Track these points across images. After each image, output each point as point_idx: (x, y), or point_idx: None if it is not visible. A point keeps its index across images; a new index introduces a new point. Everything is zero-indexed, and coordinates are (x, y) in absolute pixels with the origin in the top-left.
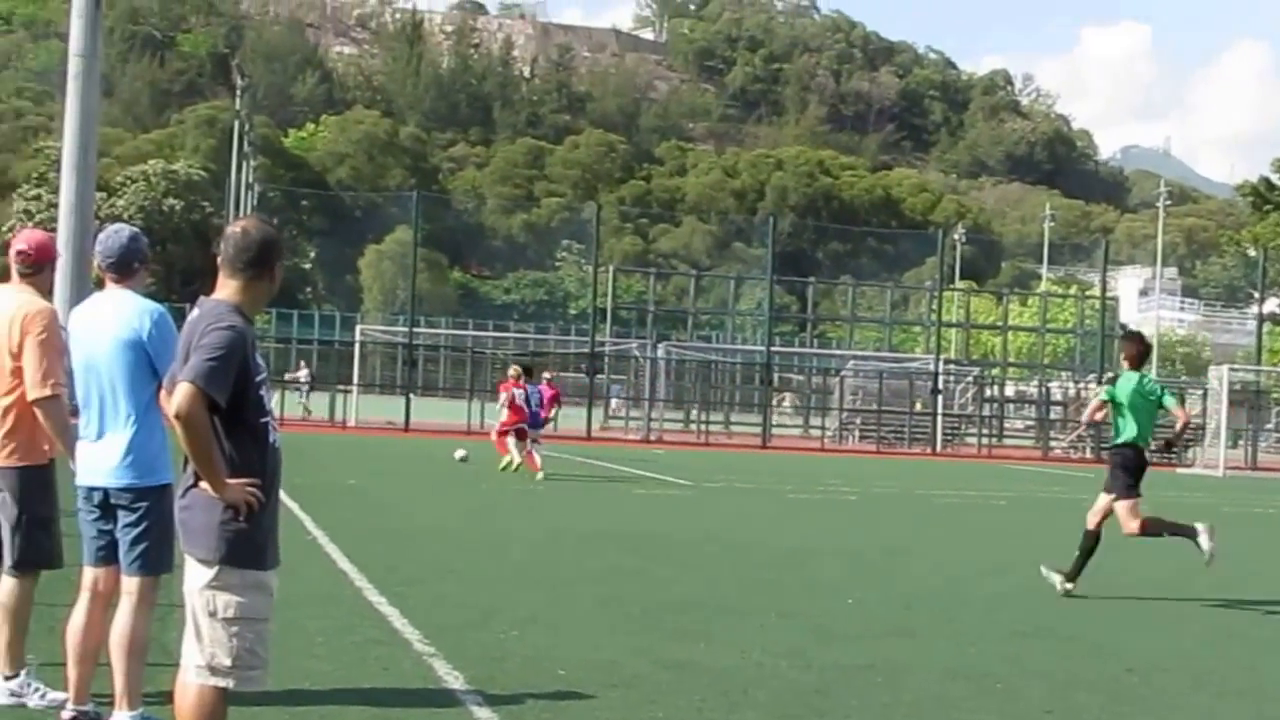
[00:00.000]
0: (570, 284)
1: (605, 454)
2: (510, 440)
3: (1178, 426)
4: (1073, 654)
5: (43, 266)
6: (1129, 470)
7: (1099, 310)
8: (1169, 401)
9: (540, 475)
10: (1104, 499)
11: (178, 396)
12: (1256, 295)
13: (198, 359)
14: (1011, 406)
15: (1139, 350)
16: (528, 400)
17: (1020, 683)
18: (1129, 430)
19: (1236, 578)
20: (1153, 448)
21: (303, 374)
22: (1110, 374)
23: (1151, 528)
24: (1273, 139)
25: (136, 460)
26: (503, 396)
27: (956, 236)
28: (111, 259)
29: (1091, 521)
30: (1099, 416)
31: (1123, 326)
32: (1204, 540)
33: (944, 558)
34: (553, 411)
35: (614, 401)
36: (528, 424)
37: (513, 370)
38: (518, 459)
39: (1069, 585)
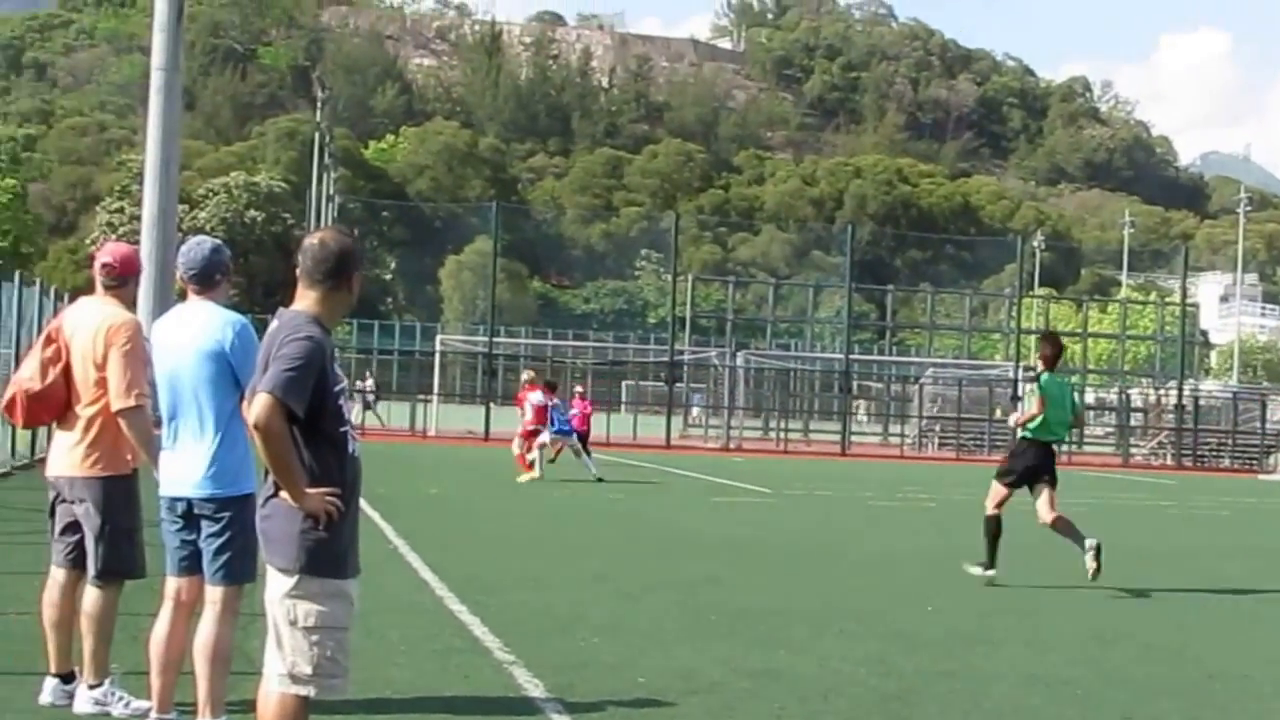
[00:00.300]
0: (649, 293)
1: (684, 462)
2: (520, 445)
3: (1074, 422)
4: (1153, 660)
5: (127, 279)
6: (1031, 462)
7: (1179, 317)
8: (1077, 404)
9: (528, 478)
10: (1031, 494)
11: (256, 407)
12: None
13: (276, 369)
14: (1092, 413)
15: (1054, 351)
16: (548, 409)
17: (1100, 689)
18: (1042, 425)
19: None
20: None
21: (368, 384)
22: (1030, 373)
23: (992, 522)
24: None
25: (219, 471)
26: (530, 402)
27: (1035, 243)
28: (194, 270)
29: (1049, 516)
30: (1037, 411)
31: (1203, 333)
32: (989, 572)
33: (1023, 564)
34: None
35: (695, 410)
36: (554, 430)
37: (526, 375)
38: (537, 471)
39: (990, 571)
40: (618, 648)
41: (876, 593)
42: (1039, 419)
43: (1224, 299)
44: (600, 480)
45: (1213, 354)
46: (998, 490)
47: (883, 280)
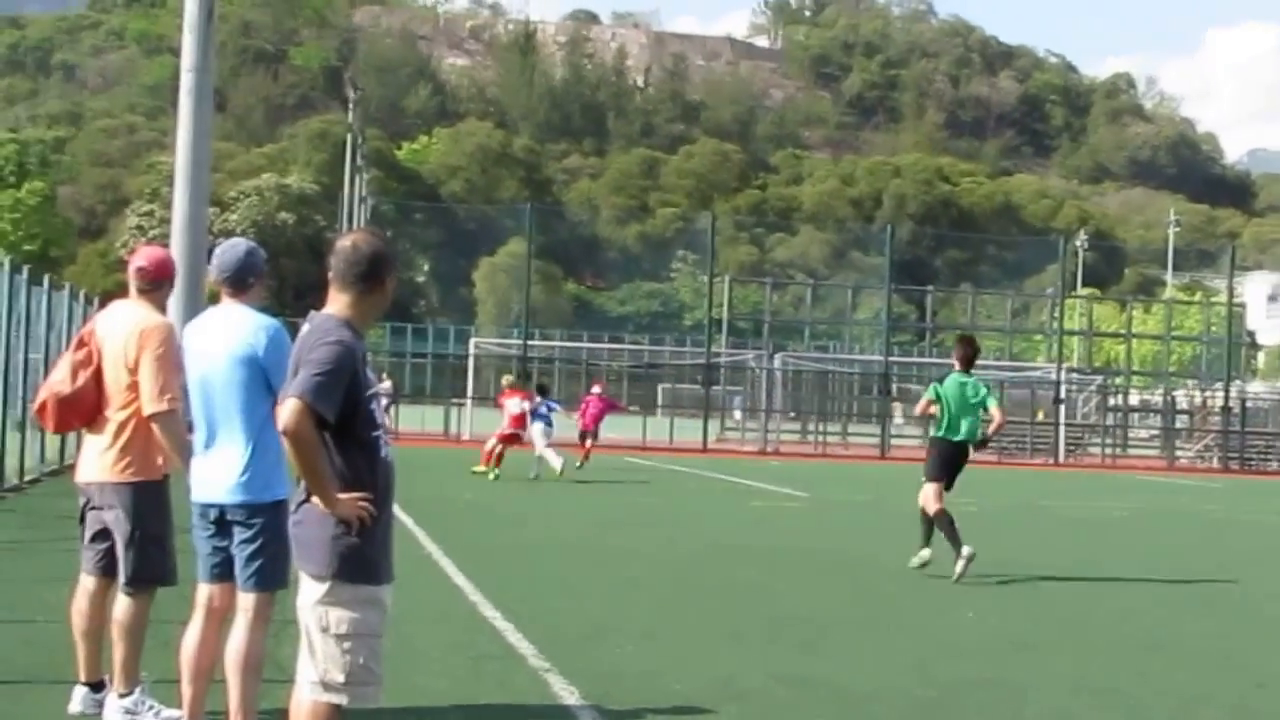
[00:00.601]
0: (685, 295)
1: (721, 466)
2: (494, 445)
3: (990, 428)
4: (1200, 668)
5: (161, 283)
6: (943, 460)
7: (1225, 317)
8: (990, 404)
9: (485, 470)
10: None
11: (285, 412)
12: None
13: (306, 374)
14: (1136, 415)
15: (967, 353)
16: (533, 412)
17: (1146, 698)
18: (947, 425)
19: None
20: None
21: (384, 385)
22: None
23: (942, 519)
24: None
25: (252, 477)
26: (508, 410)
27: (1078, 243)
28: (227, 273)
29: (931, 509)
30: (932, 411)
31: (1250, 334)
32: (960, 564)
33: (1066, 570)
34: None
35: (737, 413)
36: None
37: (506, 379)
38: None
39: (925, 550)
40: (654, 655)
41: (916, 599)
42: (944, 420)
43: (1272, 298)
44: (536, 478)
45: (1260, 355)
46: (931, 490)
47: (922, 281)
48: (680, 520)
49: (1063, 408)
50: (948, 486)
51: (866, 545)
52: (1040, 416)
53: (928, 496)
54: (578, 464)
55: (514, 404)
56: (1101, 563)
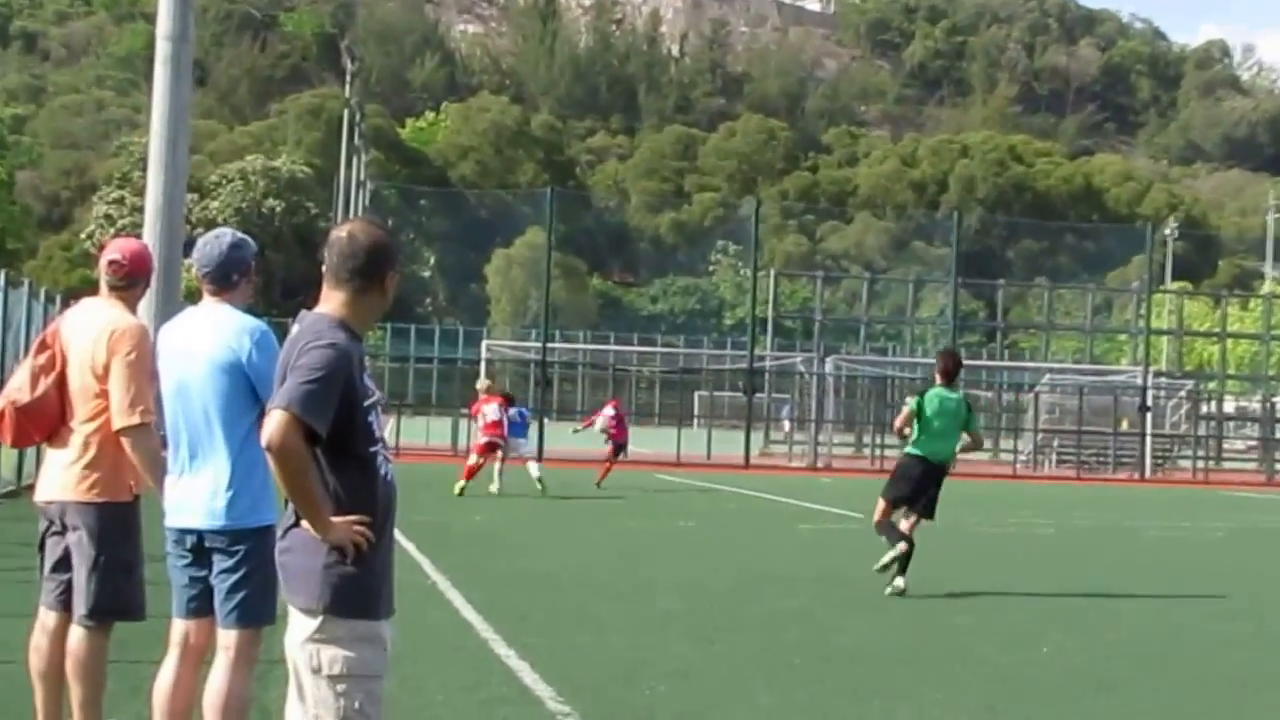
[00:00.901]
0: (726, 291)
1: (766, 484)
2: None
3: (967, 448)
4: None
5: (137, 280)
6: (910, 480)
7: None
8: (975, 425)
9: (461, 486)
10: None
11: (269, 425)
12: None
13: (294, 382)
14: (1231, 425)
15: (948, 365)
16: (504, 421)
17: None
18: (921, 442)
19: None
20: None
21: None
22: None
23: (887, 529)
24: None
25: (234, 499)
26: (485, 416)
27: (1168, 231)
28: (209, 269)
29: (904, 526)
30: (908, 432)
31: None
32: (899, 582)
33: (1153, 599)
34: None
35: (785, 423)
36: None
37: (482, 383)
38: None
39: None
40: (689, 697)
41: (984, 632)
42: (920, 436)
43: None
44: (499, 494)
45: None
46: (880, 505)
47: (993, 274)
48: (718, 546)
49: (1149, 416)
50: (927, 514)
51: (928, 571)
52: (1124, 426)
53: (880, 508)
54: (596, 482)
55: (492, 410)
56: (1193, 590)
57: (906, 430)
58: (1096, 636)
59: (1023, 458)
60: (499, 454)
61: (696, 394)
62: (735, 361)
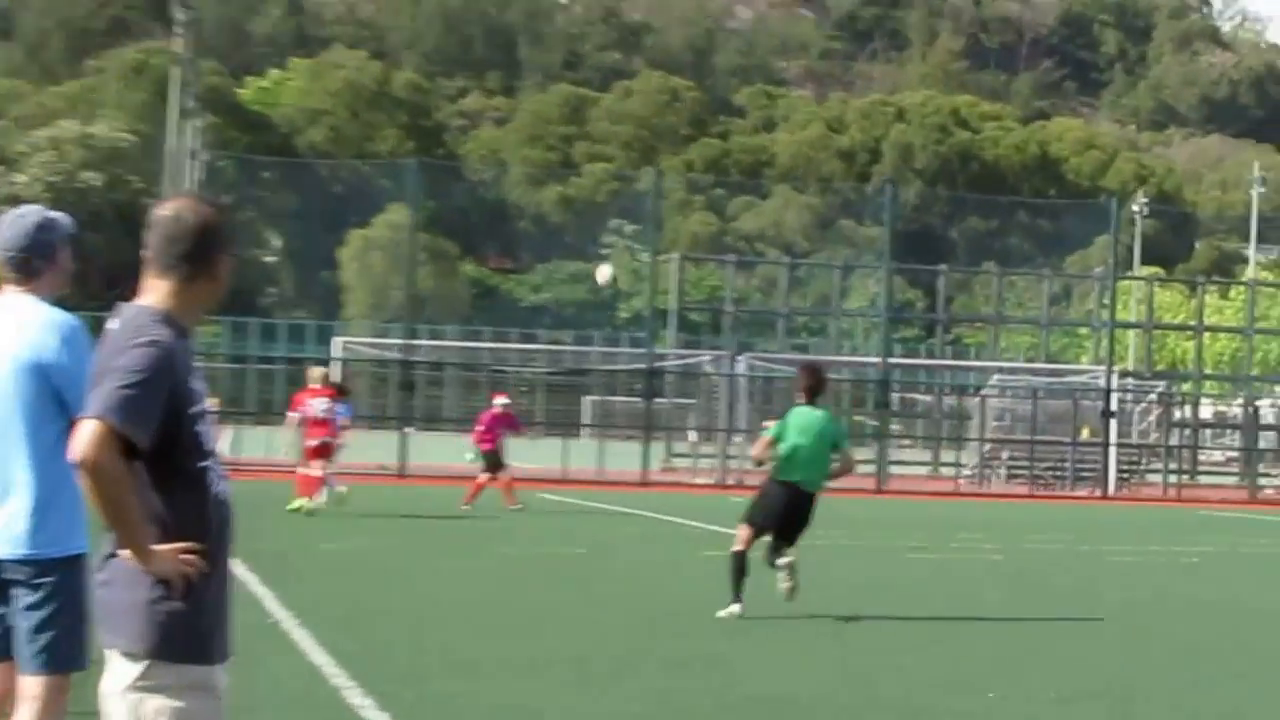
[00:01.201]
0: (622, 278)
1: (668, 504)
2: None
3: (836, 469)
4: None
5: None
6: (773, 507)
7: None
8: (843, 444)
9: (302, 504)
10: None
11: (80, 437)
12: None
13: (109, 386)
14: (1209, 433)
15: (810, 383)
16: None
17: None
18: (785, 466)
19: None
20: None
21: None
22: None
23: (738, 561)
24: None
25: (39, 524)
26: (302, 411)
27: (1136, 208)
28: (10, 253)
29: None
30: (765, 456)
31: None
32: (734, 608)
33: (1117, 634)
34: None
35: (691, 434)
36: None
37: (316, 373)
38: (321, 498)
39: (736, 606)
40: None
41: (922, 674)
42: (783, 458)
43: None
44: (310, 514)
45: None
46: (743, 532)
47: (934, 258)
48: (611, 576)
49: (1114, 423)
50: (788, 540)
51: (852, 604)
52: (1085, 435)
53: (741, 533)
54: (515, 506)
55: (319, 404)
56: (1162, 625)
57: (765, 459)
58: (1050, 678)
59: (967, 471)
60: (328, 458)
61: (586, 399)
62: (632, 361)
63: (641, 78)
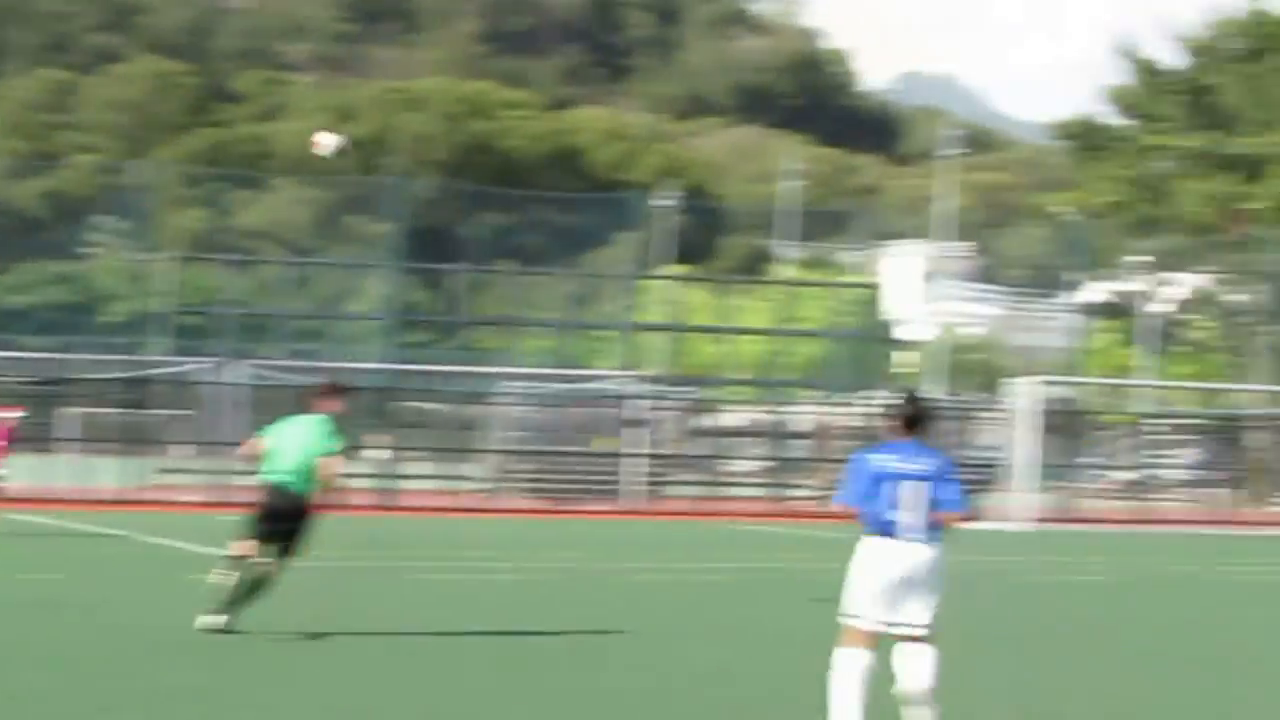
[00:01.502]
0: (110, 279)
1: (156, 523)
2: None
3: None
4: None
5: None
6: (259, 511)
7: (863, 302)
8: (330, 448)
9: None
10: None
11: None
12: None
13: None
14: (739, 441)
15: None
16: None
17: None
18: (269, 466)
19: None
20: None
21: None
22: None
23: (230, 568)
24: (1098, 65)
25: None
26: None
27: (666, 202)
28: None
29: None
30: (253, 454)
31: (887, 325)
32: (209, 619)
33: (651, 659)
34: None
35: (171, 448)
36: None
37: None
38: None
39: (221, 618)
40: None
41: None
42: (271, 461)
43: (929, 277)
44: None
45: (915, 353)
46: (244, 544)
47: (447, 256)
48: (90, 604)
49: (638, 432)
50: (283, 549)
51: (363, 625)
52: (597, 445)
53: (236, 546)
54: None
55: None
56: (695, 646)
57: (254, 457)
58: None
59: (479, 485)
60: None
61: (67, 410)
62: (122, 369)
63: (134, 62)
